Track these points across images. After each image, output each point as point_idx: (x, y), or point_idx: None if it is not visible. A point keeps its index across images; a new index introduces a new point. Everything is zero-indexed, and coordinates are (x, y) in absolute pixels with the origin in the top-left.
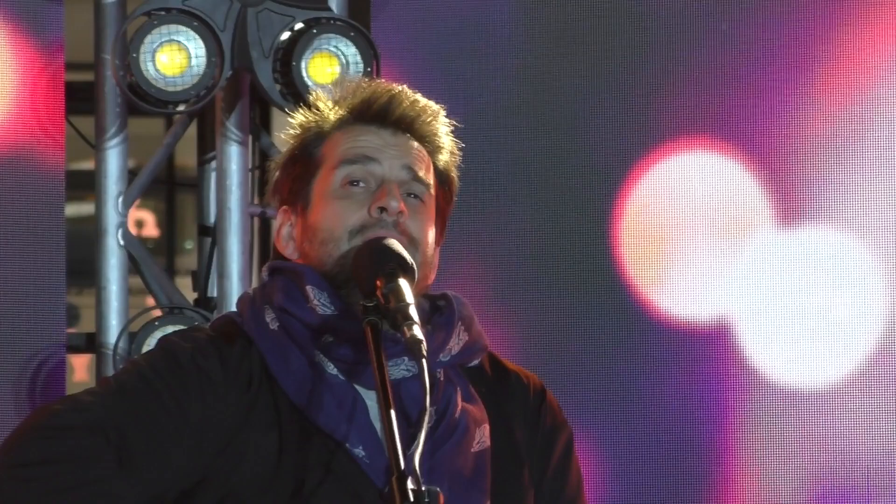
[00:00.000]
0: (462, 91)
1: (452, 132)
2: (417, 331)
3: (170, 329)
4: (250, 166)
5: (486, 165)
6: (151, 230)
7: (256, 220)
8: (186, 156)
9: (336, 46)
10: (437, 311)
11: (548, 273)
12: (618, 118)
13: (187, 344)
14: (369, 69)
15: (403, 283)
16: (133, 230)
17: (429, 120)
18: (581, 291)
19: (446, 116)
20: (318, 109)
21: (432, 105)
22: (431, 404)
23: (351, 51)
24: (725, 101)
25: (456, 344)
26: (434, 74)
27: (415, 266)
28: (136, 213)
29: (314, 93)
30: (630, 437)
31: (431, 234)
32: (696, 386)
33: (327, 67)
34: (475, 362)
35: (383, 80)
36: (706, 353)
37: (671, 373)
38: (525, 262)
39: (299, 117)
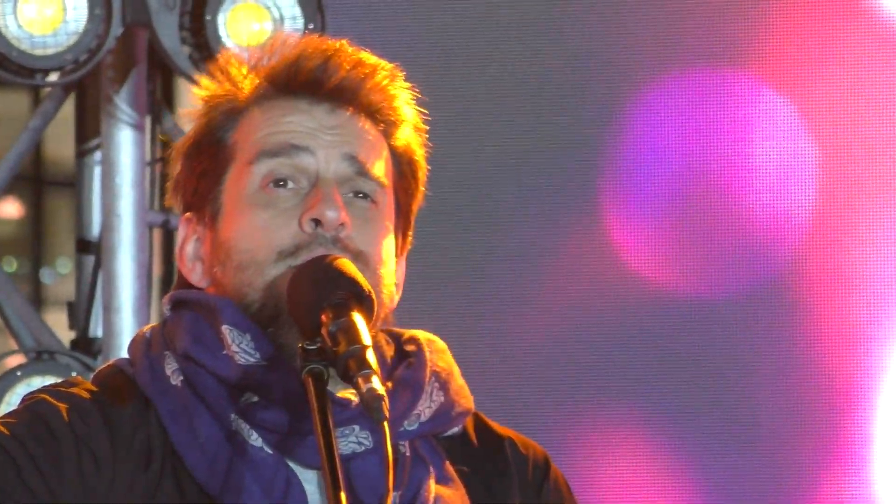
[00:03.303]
0: (436, 56)
1: (418, 103)
2: (377, 383)
3: (37, 382)
4: (148, 159)
5: (462, 151)
6: (11, 210)
7: (157, 232)
8: (60, 144)
9: None
10: (404, 358)
11: (554, 294)
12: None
13: (62, 404)
14: (312, 26)
15: (358, 319)
16: None
17: (380, 85)
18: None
19: (409, 82)
20: (229, 77)
21: (384, 64)
22: (395, 488)
23: (287, 1)
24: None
25: (426, 408)
26: (398, 35)
27: (373, 295)
28: None
29: (224, 54)
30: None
31: (389, 245)
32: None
33: (254, 23)
34: (455, 430)
35: (322, 38)
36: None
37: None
38: (521, 277)
39: (205, 88)
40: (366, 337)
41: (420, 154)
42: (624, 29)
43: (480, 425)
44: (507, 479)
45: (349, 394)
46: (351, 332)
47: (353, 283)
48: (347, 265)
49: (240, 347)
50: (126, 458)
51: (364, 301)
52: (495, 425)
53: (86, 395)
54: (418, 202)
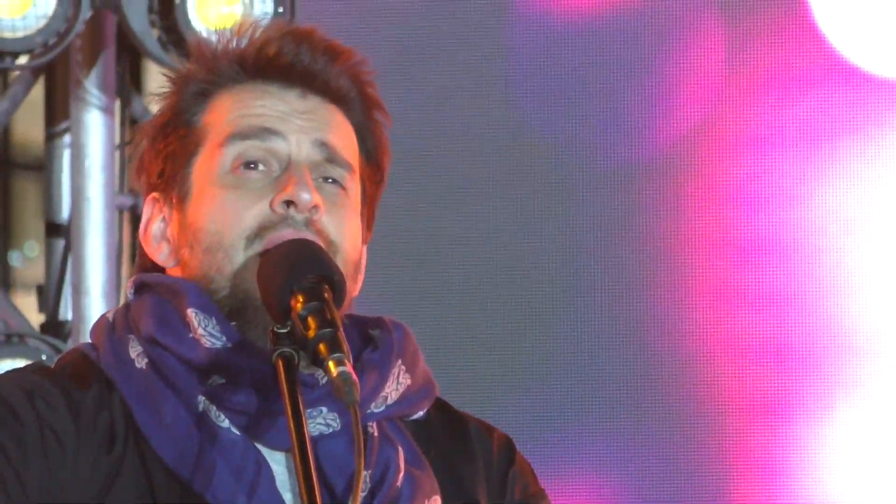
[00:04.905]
0: (412, 49)
1: (384, 89)
2: (348, 366)
3: (7, 364)
4: (117, 142)
5: (433, 144)
6: None
7: (126, 215)
8: (29, 127)
9: None
10: (370, 342)
11: (524, 285)
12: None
13: (25, 388)
14: (281, 10)
15: (329, 302)
16: None
17: (350, 71)
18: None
19: (375, 68)
20: (199, 60)
21: (354, 52)
22: (364, 468)
23: None
24: None
25: (394, 390)
26: (367, 20)
27: (344, 279)
28: None
29: (195, 39)
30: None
31: (356, 232)
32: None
33: (223, 7)
34: (419, 414)
35: (293, 24)
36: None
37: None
38: (489, 268)
39: (174, 70)
40: (337, 321)
41: (385, 142)
42: None
43: (443, 410)
44: (472, 464)
45: (316, 371)
46: (322, 316)
47: (325, 266)
48: (318, 249)
49: (206, 331)
50: (89, 440)
51: (335, 285)
52: (456, 410)
53: (48, 379)
54: (382, 190)
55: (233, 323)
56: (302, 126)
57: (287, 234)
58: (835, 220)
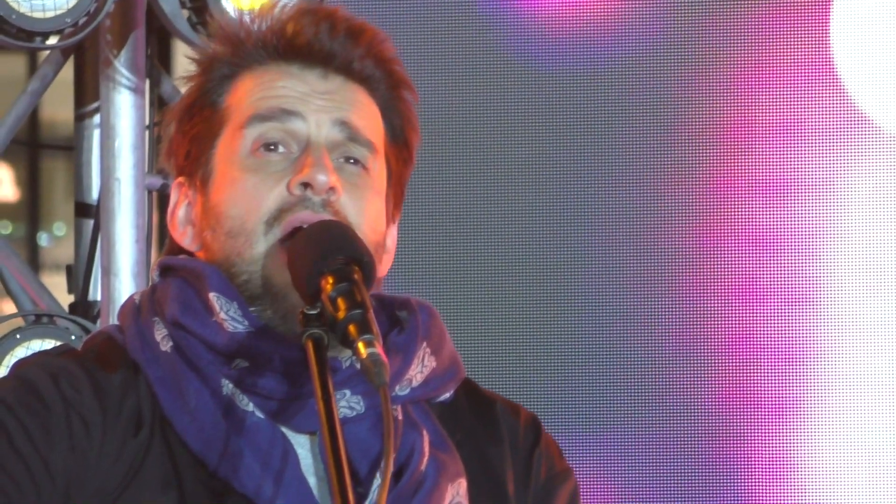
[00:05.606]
0: (442, 28)
1: (411, 73)
2: (378, 348)
3: (37, 345)
4: (147, 122)
5: (461, 123)
6: (8, 190)
7: (155, 195)
8: (58, 107)
9: None
10: (396, 324)
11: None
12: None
13: (51, 371)
14: None
15: (358, 283)
16: None
17: (373, 50)
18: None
19: (402, 49)
20: (223, 42)
21: (377, 31)
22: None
23: None
24: None
25: (418, 372)
26: (401, 2)
27: (373, 260)
28: None
29: (217, 20)
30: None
31: (379, 212)
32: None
33: None
34: (446, 396)
35: (317, 4)
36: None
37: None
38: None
39: (199, 52)
40: (366, 302)
41: (413, 120)
42: None
43: (470, 391)
44: (499, 446)
45: (340, 354)
46: (351, 298)
47: (354, 247)
48: (348, 230)
49: (228, 315)
50: (115, 424)
51: (364, 266)
52: (484, 390)
53: (75, 362)
54: (411, 169)
55: (252, 308)
56: (322, 106)
57: (305, 216)
58: (851, 217)
